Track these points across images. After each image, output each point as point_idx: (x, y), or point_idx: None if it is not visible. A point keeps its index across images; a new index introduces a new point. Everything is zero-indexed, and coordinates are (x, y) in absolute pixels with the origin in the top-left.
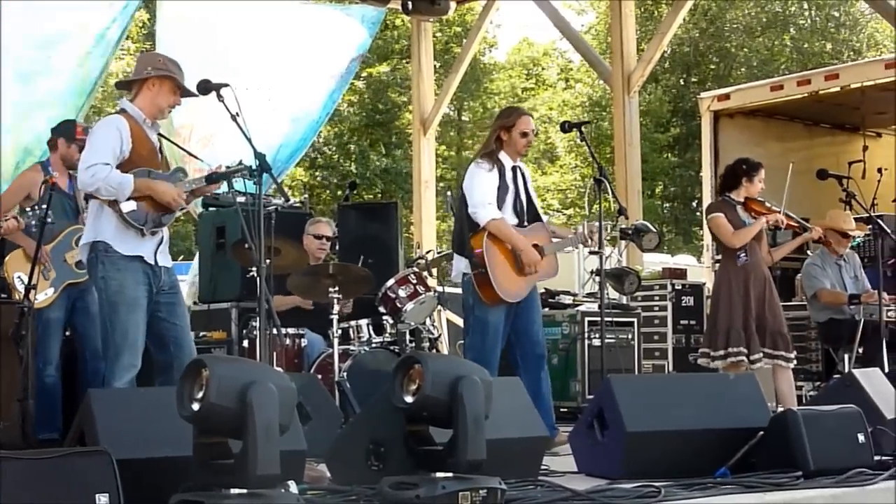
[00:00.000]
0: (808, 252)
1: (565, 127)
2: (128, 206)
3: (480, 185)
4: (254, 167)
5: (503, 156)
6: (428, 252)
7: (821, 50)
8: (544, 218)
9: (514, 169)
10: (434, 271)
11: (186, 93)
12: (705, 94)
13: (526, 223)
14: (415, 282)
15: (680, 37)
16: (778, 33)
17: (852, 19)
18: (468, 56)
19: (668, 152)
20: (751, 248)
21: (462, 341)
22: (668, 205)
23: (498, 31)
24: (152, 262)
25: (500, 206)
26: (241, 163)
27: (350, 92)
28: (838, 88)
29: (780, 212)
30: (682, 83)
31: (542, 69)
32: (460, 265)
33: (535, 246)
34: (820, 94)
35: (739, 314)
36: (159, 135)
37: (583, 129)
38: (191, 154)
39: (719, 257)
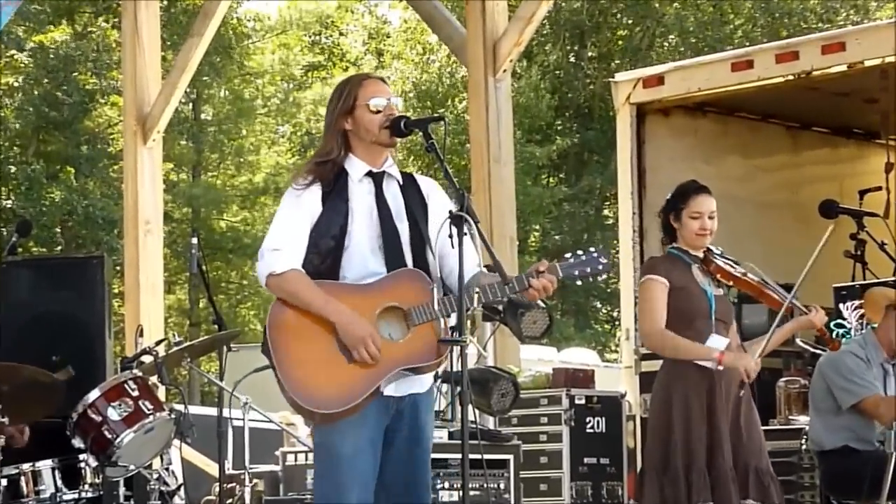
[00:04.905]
0: (798, 341)
1: (402, 127)
2: None
3: (275, 221)
4: None
5: (351, 160)
6: (159, 343)
7: (802, 6)
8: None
9: (377, 177)
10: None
11: None
12: (623, 77)
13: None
14: (136, 394)
15: None
16: None
17: None
18: (217, 13)
19: (550, 175)
20: (719, 332)
21: None
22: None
23: None
24: None
25: (338, 245)
26: None
27: (9, 71)
28: (844, 67)
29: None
30: (573, 60)
31: (339, 35)
32: None
33: (393, 310)
34: (814, 77)
35: (701, 447)
36: None
37: (431, 128)
38: None
39: None
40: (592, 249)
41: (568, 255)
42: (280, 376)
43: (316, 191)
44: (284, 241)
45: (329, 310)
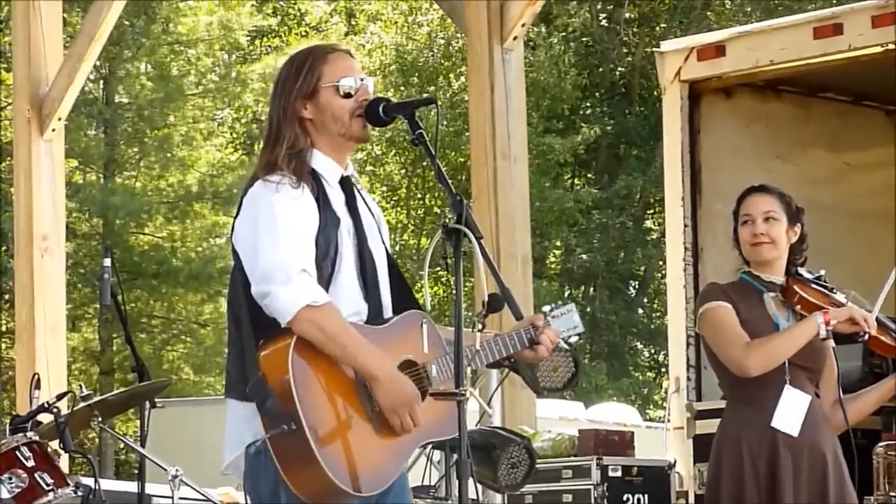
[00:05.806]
0: None
1: (381, 112)
2: None
3: (275, 230)
4: None
5: (319, 159)
6: (61, 397)
7: None
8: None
9: (345, 183)
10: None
11: None
12: (671, 46)
13: (386, 311)
14: (31, 464)
15: None
16: None
17: None
18: None
19: (575, 174)
20: (799, 385)
21: None
22: (572, 289)
23: None
24: None
25: (333, 271)
26: None
27: None
28: None
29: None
30: (605, 23)
31: None
32: (237, 425)
33: (409, 365)
34: None
35: None
36: None
37: (417, 114)
38: None
39: (723, 405)
40: (562, 303)
41: (547, 307)
42: (313, 444)
43: (310, 195)
44: (308, 261)
45: (374, 362)
